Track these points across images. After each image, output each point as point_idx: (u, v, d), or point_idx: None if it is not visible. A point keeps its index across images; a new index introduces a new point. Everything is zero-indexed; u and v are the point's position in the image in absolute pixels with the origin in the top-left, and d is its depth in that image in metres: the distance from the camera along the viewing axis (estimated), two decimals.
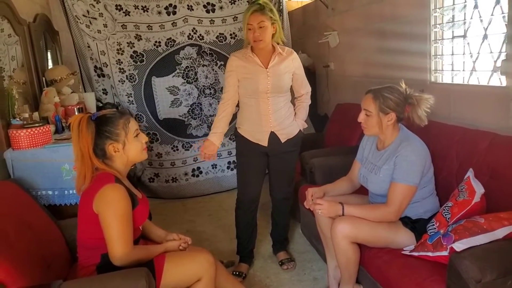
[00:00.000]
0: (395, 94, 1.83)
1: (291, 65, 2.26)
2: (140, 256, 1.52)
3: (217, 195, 3.79)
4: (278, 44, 2.25)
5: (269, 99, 2.20)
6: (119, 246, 1.44)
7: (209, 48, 3.64)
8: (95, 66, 3.45)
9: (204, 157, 2.27)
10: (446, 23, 2.40)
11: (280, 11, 3.59)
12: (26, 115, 2.16)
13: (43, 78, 2.71)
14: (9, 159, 1.97)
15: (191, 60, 3.60)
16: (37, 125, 2.06)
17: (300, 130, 2.36)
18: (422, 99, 1.82)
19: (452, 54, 2.41)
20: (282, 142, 2.28)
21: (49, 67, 3.01)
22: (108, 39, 3.37)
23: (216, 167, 3.84)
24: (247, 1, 3.59)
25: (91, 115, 1.55)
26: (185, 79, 3.60)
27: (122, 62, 3.44)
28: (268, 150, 2.28)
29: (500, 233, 1.45)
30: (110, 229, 1.44)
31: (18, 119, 2.07)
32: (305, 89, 2.37)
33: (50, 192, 2.03)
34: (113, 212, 1.44)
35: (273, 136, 2.26)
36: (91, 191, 1.48)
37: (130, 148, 1.57)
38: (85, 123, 1.50)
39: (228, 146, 3.85)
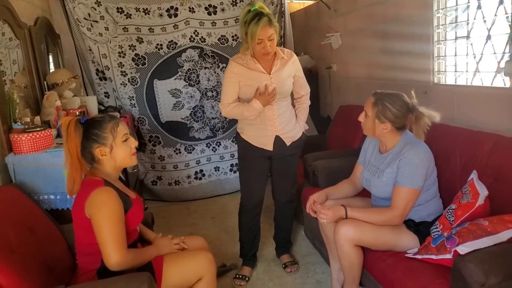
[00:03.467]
0: (397, 106, 1.78)
1: (292, 68, 2.24)
2: (135, 259, 1.51)
3: (220, 198, 3.79)
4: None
5: (273, 104, 2.18)
6: (113, 250, 1.43)
7: (211, 50, 3.63)
8: (97, 69, 3.46)
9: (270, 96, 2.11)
10: (449, 23, 2.38)
11: (282, 13, 3.59)
12: (28, 119, 2.16)
13: (45, 82, 2.71)
14: (10, 163, 1.96)
15: (193, 63, 3.60)
16: (38, 129, 2.05)
17: (303, 132, 2.35)
18: (423, 117, 1.74)
19: (455, 55, 2.40)
20: (287, 145, 2.27)
21: (51, 71, 3.01)
22: (110, 42, 3.37)
23: (219, 170, 3.83)
24: (248, 5, 3.58)
25: (80, 118, 1.54)
26: (187, 82, 3.60)
27: (123, 65, 3.44)
28: (273, 154, 2.27)
29: (504, 235, 1.44)
30: (102, 233, 1.43)
31: (19, 124, 2.06)
32: (304, 90, 2.35)
33: (52, 197, 2.02)
34: (104, 215, 1.44)
35: (278, 140, 2.24)
36: (82, 196, 1.48)
37: (117, 152, 1.55)
38: (73, 125, 1.49)
39: (231, 149, 3.84)
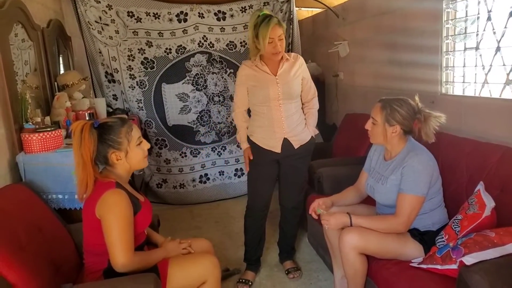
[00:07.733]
0: (404, 108, 1.82)
1: (299, 70, 2.28)
2: (142, 261, 1.52)
3: (224, 202, 3.80)
4: None
5: (281, 105, 2.22)
6: (120, 251, 1.44)
7: (219, 55, 3.67)
8: (106, 72, 3.49)
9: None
10: (458, 34, 2.39)
11: (291, 20, 3.62)
12: (38, 119, 2.19)
13: (55, 83, 2.74)
14: (21, 162, 1.98)
15: (201, 68, 3.63)
16: (49, 129, 2.07)
17: (312, 136, 2.36)
18: (431, 117, 1.80)
19: (464, 66, 2.41)
20: (295, 148, 2.29)
21: (61, 72, 3.04)
22: (120, 45, 3.41)
23: (223, 174, 3.85)
24: (257, 11, 3.61)
25: (94, 122, 1.53)
26: (194, 86, 3.63)
27: (132, 68, 3.47)
28: (281, 157, 2.29)
29: (511, 247, 1.43)
30: (111, 234, 1.44)
31: (30, 123, 2.09)
32: (312, 92, 2.38)
33: (60, 196, 2.04)
34: (114, 216, 1.45)
35: (286, 143, 2.27)
36: (93, 197, 1.49)
37: (132, 156, 1.57)
38: (88, 130, 1.48)
39: (236, 154, 3.86)
